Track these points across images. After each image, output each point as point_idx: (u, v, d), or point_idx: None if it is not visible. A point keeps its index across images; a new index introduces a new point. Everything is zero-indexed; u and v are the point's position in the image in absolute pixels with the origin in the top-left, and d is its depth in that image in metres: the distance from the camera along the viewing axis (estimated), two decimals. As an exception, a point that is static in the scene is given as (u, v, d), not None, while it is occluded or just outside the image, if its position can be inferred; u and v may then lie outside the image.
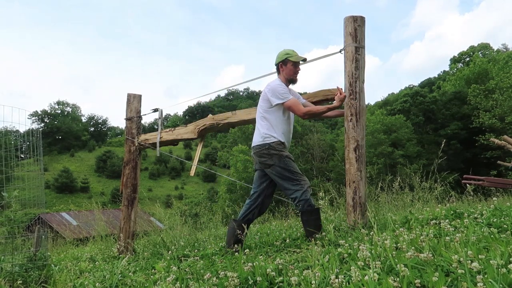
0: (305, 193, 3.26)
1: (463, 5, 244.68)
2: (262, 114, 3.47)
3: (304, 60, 3.52)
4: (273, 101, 3.38)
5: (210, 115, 4.29)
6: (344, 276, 1.84)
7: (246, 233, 3.33)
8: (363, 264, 1.95)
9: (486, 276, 1.56)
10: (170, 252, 3.73)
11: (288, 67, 3.48)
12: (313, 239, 2.91)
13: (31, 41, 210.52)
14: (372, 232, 2.59)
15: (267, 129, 3.41)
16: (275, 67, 3.58)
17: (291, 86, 3.60)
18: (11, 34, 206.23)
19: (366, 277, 1.70)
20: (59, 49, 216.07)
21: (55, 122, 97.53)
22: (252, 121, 3.86)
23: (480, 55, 48.33)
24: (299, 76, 3.57)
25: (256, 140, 3.47)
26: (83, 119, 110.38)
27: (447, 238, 2.13)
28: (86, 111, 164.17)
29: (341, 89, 3.40)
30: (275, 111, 3.43)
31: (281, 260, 2.34)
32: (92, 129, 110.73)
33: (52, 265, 3.22)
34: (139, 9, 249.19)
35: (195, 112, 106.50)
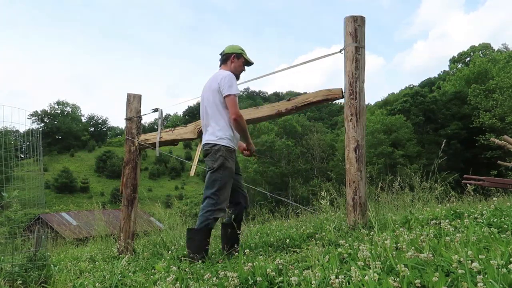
0: (211, 212, 3.15)
1: (468, 4, 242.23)
2: (219, 109, 3.29)
3: (252, 64, 3.52)
4: (226, 90, 3.19)
5: (210, 115, 4.28)
6: (344, 276, 1.84)
7: (239, 233, 3.34)
8: (363, 264, 1.95)
9: (486, 276, 1.55)
10: (170, 252, 3.73)
11: (240, 62, 3.45)
12: (190, 259, 2.90)
13: (31, 41, 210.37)
14: (372, 232, 2.59)
15: (222, 129, 3.26)
16: (223, 56, 3.48)
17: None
18: (12, 34, 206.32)
19: (366, 277, 1.70)
20: (59, 49, 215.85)
21: (55, 122, 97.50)
22: (252, 121, 3.85)
23: (481, 55, 48.36)
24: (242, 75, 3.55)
25: (209, 138, 3.29)
26: (83, 119, 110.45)
27: (447, 238, 2.13)
28: (86, 111, 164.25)
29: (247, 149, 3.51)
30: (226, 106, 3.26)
31: (281, 260, 2.34)
32: (92, 129, 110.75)
33: (52, 265, 3.22)
34: (141, 9, 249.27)
35: (195, 112, 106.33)
